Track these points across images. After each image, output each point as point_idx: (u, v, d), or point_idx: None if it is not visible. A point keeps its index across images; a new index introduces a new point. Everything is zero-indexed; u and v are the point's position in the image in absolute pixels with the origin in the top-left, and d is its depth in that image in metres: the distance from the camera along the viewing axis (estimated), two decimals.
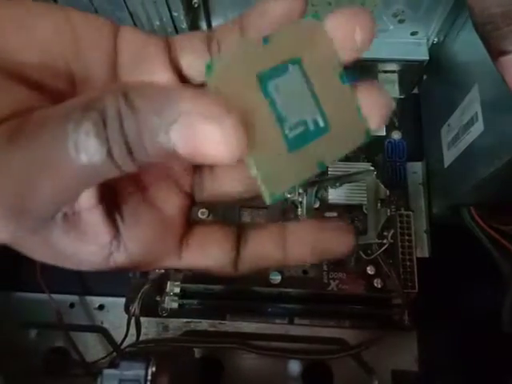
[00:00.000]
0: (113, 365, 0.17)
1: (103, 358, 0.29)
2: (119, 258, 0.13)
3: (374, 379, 0.27)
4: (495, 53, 0.19)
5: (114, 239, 0.13)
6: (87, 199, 0.12)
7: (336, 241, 0.15)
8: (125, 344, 0.28)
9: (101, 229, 0.12)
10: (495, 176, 0.22)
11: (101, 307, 0.32)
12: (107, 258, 0.13)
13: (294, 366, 0.29)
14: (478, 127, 0.24)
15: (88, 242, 0.13)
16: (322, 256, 0.15)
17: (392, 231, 0.27)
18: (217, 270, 0.15)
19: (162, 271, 0.30)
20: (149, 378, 0.15)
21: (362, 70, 0.32)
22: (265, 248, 0.15)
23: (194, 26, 0.29)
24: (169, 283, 0.29)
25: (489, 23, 0.18)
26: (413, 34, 0.30)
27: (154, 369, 0.16)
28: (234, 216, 0.31)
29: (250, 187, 0.15)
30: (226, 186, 0.15)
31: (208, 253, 0.15)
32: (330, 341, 0.29)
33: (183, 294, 0.29)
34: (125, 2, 0.26)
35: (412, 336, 0.29)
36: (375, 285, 0.29)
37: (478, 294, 0.27)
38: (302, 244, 0.15)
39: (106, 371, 0.16)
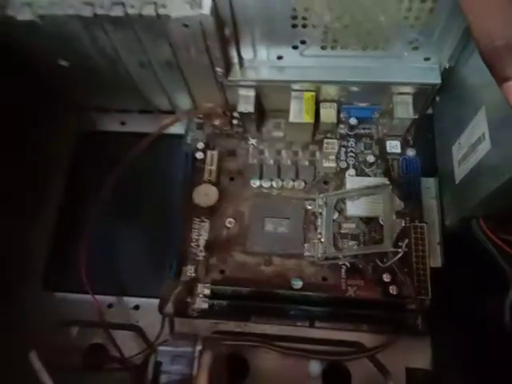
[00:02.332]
0: (165, 343, 0.19)
1: (137, 354, 0.32)
2: None
3: (389, 380, 0.29)
4: (500, 79, 0.21)
5: None
6: None
7: None
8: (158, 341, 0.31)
9: None
10: (500, 191, 0.25)
11: (136, 307, 0.35)
12: None
13: (315, 367, 0.31)
14: (485, 146, 0.27)
15: None
16: None
17: (406, 241, 0.29)
18: None
19: (193, 275, 0.33)
20: (196, 354, 0.18)
21: (378, 92, 0.34)
22: None
23: (225, 55, 0.32)
24: (199, 285, 0.32)
25: (494, 54, 0.21)
26: (426, 59, 0.33)
27: (200, 347, 0.18)
28: (257, 225, 0.33)
29: None
30: None
31: None
32: (348, 343, 0.31)
33: (212, 296, 0.31)
34: (165, 33, 0.29)
35: (426, 340, 0.30)
36: (391, 291, 0.31)
37: (487, 299, 0.29)
38: None
39: (161, 347, 0.19)
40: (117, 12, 0.28)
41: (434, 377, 0.29)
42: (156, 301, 0.33)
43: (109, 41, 0.30)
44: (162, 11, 0.27)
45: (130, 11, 0.28)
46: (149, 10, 0.27)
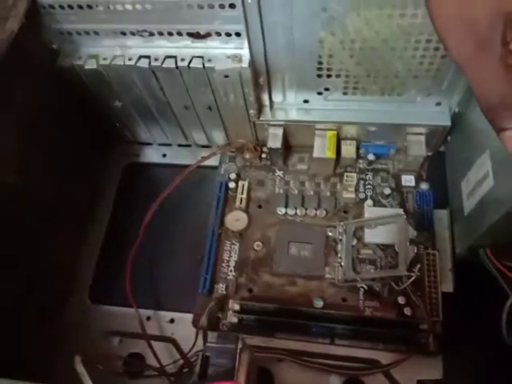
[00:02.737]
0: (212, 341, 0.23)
1: (172, 363, 0.35)
2: None
3: None
4: (497, 129, 0.25)
5: None
6: None
7: None
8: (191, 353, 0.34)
9: None
10: (501, 222, 0.28)
11: (172, 321, 0.38)
12: None
13: (334, 381, 0.34)
14: (489, 182, 0.30)
15: None
16: None
17: (418, 266, 0.32)
18: None
19: (224, 292, 0.36)
20: (238, 350, 0.22)
21: (394, 132, 0.38)
22: None
23: (258, 99, 0.37)
24: (230, 301, 0.35)
25: (491, 109, 0.24)
26: (437, 104, 0.37)
27: (240, 345, 0.22)
28: (283, 249, 0.37)
29: None
30: None
31: None
32: (365, 360, 0.34)
33: (241, 311, 0.35)
34: (209, 82, 0.34)
35: (437, 359, 0.33)
36: (405, 312, 0.34)
37: (495, 322, 0.31)
38: None
39: (209, 344, 0.22)
40: (169, 64, 0.33)
41: None
42: (189, 315, 0.37)
43: (160, 87, 0.36)
44: (207, 64, 0.32)
45: (180, 64, 0.33)
46: (196, 63, 0.33)
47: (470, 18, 0.22)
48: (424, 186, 0.39)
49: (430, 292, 0.34)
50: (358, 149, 0.40)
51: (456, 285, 0.35)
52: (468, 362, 0.32)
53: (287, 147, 0.41)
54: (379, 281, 0.35)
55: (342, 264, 0.35)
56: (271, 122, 0.39)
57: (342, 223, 0.37)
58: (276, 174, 0.41)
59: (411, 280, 0.32)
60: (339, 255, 0.36)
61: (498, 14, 0.21)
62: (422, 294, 0.34)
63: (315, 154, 0.38)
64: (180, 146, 0.45)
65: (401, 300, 0.34)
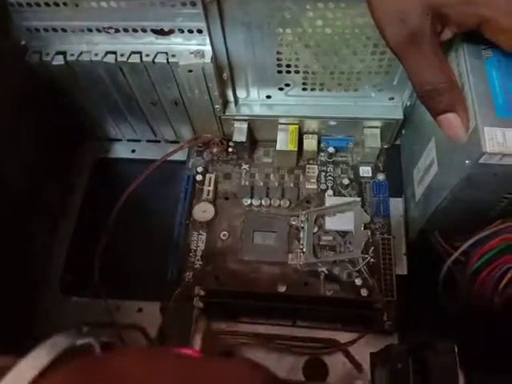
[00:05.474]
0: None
1: None
2: None
3: (361, 371, 0.33)
4: (432, 113, 0.27)
5: None
6: None
7: None
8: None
9: None
10: (443, 206, 0.30)
11: (140, 310, 0.39)
12: None
13: (297, 361, 0.35)
14: (434, 168, 0.32)
15: None
16: None
17: (372, 248, 0.34)
18: None
19: (191, 280, 0.38)
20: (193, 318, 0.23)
21: (352, 126, 0.41)
22: None
23: (223, 95, 0.38)
24: (197, 287, 0.36)
25: (426, 95, 0.27)
26: (390, 99, 0.39)
27: (196, 313, 0.23)
28: (248, 237, 0.38)
29: None
30: None
31: None
32: (325, 341, 0.35)
33: (207, 297, 0.36)
34: (174, 77, 0.36)
35: (394, 337, 0.35)
36: (362, 293, 0.35)
37: (446, 297, 0.33)
38: None
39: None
40: (134, 59, 0.35)
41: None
42: (157, 304, 0.37)
43: (127, 81, 0.37)
44: (171, 59, 0.34)
45: (145, 59, 0.34)
46: (161, 59, 0.34)
47: (403, 9, 0.24)
48: (380, 176, 0.41)
49: (385, 274, 0.36)
50: (319, 142, 0.42)
51: (410, 268, 0.37)
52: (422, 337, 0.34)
53: (253, 141, 0.43)
54: (338, 265, 0.37)
55: (304, 250, 0.37)
56: (236, 117, 0.40)
57: (304, 212, 0.39)
58: (242, 168, 0.43)
59: (365, 262, 0.34)
60: (301, 242, 0.38)
61: (428, 6, 0.24)
62: (378, 277, 0.36)
63: (278, 147, 0.40)
64: (149, 141, 0.46)
65: (358, 282, 0.36)
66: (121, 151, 0.46)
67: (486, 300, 0.30)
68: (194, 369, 0.16)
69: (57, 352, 0.16)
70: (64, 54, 0.36)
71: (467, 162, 0.26)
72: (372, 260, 0.36)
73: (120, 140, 0.46)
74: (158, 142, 0.46)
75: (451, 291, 0.32)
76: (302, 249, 0.37)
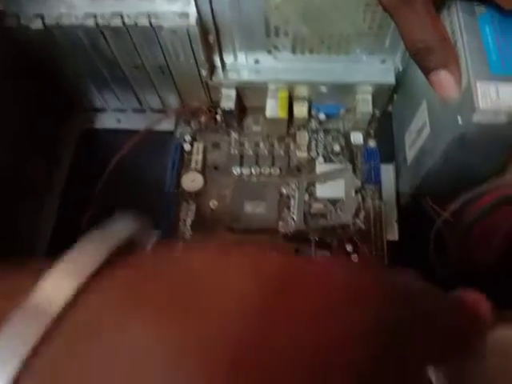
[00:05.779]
0: None
1: None
2: None
3: None
4: (425, 72, 0.26)
5: None
6: None
7: None
8: None
9: None
10: (435, 168, 0.30)
11: None
12: None
13: None
14: (427, 131, 0.32)
15: None
16: None
17: (363, 213, 0.34)
18: None
19: None
20: None
21: (343, 92, 0.40)
22: None
23: (210, 59, 0.37)
24: None
25: (417, 53, 0.26)
26: (382, 62, 0.38)
27: None
28: (238, 206, 0.38)
29: None
30: None
31: None
32: None
33: None
34: (158, 40, 0.34)
35: None
36: (353, 259, 0.35)
37: (437, 261, 0.33)
38: None
39: None
40: (116, 22, 0.33)
41: None
42: None
43: (108, 46, 0.35)
44: (154, 22, 0.33)
45: (127, 21, 0.33)
46: (144, 21, 0.33)
47: None
48: (372, 143, 0.41)
49: (376, 240, 0.36)
50: (309, 109, 0.41)
51: (401, 233, 0.37)
52: None
53: (242, 109, 0.42)
54: (329, 232, 0.36)
55: (295, 218, 0.37)
56: (224, 83, 0.39)
57: (294, 180, 0.38)
58: (231, 136, 0.42)
59: (356, 227, 0.34)
60: (292, 210, 0.37)
61: None
62: (369, 243, 0.36)
63: (268, 115, 0.39)
64: (135, 111, 0.45)
65: (348, 248, 0.36)
66: (106, 122, 0.45)
67: (483, 250, 0.29)
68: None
69: (114, 243, 0.12)
70: (42, 17, 0.34)
71: (460, 120, 0.26)
72: (363, 226, 0.36)
73: (105, 110, 0.45)
74: (144, 111, 0.44)
75: (441, 253, 0.32)
76: (292, 217, 0.37)
